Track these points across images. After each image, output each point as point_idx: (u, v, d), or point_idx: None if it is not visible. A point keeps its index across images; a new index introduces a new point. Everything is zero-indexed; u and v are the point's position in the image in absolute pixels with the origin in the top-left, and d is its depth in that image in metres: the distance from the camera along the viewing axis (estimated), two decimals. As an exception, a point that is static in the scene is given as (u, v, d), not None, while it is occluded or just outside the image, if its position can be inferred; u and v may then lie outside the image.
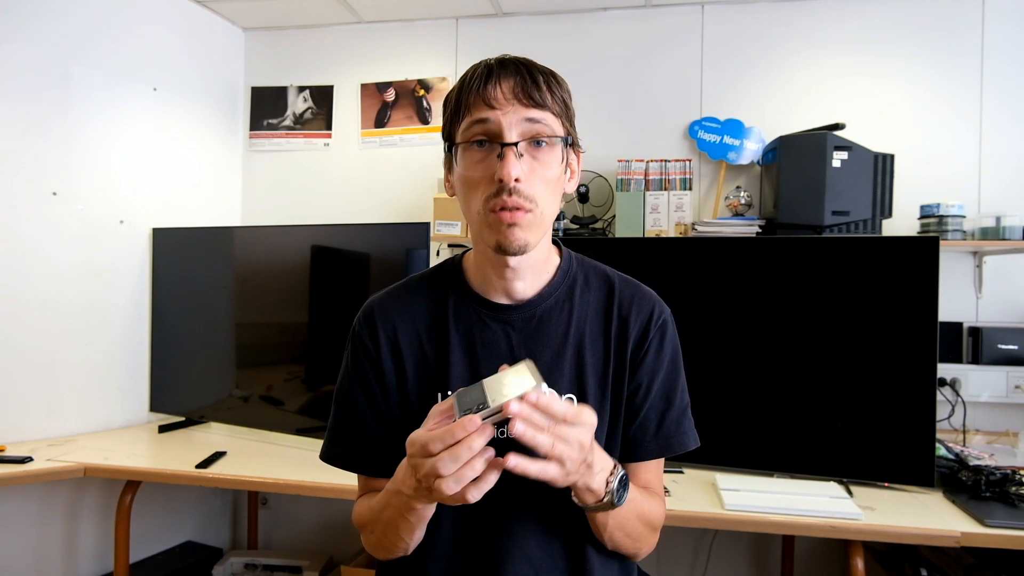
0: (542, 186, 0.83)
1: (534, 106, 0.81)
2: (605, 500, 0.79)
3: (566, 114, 0.86)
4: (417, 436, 0.70)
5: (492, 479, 0.69)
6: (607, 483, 0.78)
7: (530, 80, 0.81)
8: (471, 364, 0.90)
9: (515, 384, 0.68)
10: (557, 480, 0.70)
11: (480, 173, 0.82)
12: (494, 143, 0.81)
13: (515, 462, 0.66)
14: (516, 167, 0.79)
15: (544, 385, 0.67)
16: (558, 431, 0.67)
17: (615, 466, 0.80)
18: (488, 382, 0.71)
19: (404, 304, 0.94)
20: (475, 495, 0.69)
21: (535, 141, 0.82)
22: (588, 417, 0.70)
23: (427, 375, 0.91)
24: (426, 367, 0.91)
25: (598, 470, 0.76)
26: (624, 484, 0.80)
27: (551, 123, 0.83)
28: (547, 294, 0.92)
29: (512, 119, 0.80)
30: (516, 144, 0.80)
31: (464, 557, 0.88)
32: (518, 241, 0.82)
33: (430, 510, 0.81)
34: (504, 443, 0.74)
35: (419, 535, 0.85)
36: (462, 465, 0.66)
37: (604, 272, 0.98)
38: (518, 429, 0.65)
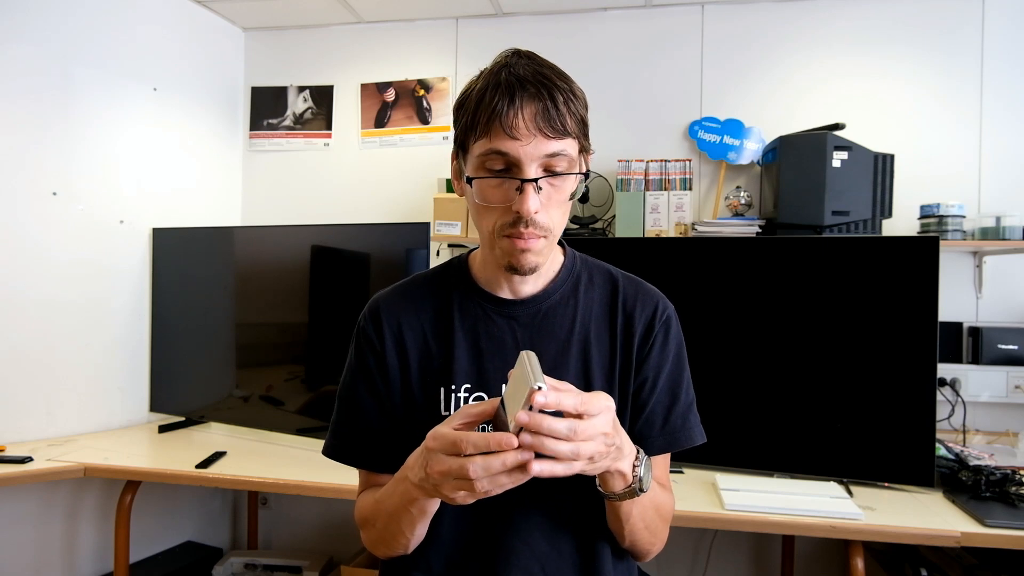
0: (557, 210, 0.83)
1: (555, 136, 0.78)
2: (633, 485, 0.78)
3: (583, 131, 0.83)
4: (445, 432, 0.69)
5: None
6: (633, 467, 0.78)
7: (552, 105, 0.78)
8: (476, 359, 0.90)
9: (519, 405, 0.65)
10: (586, 471, 0.69)
11: (497, 201, 0.81)
12: (513, 176, 0.80)
13: (539, 468, 0.64)
14: (535, 201, 0.79)
15: (541, 381, 0.63)
16: (580, 432, 0.65)
17: (639, 451, 0.80)
18: (508, 397, 0.69)
19: (409, 300, 0.95)
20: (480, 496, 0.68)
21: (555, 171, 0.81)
22: (605, 402, 0.69)
23: (431, 370, 0.91)
24: (430, 363, 0.91)
25: (627, 452, 0.76)
26: (648, 469, 0.80)
27: (571, 151, 0.80)
28: (552, 290, 0.93)
29: (533, 153, 0.78)
30: (536, 179, 0.79)
31: (468, 550, 0.88)
32: (531, 265, 0.84)
33: (433, 505, 0.81)
34: None
35: (420, 532, 0.85)
36: (493, 474, 0.65)
37: (607, 270, 0.98)
38: (533, 467, 0.64)
